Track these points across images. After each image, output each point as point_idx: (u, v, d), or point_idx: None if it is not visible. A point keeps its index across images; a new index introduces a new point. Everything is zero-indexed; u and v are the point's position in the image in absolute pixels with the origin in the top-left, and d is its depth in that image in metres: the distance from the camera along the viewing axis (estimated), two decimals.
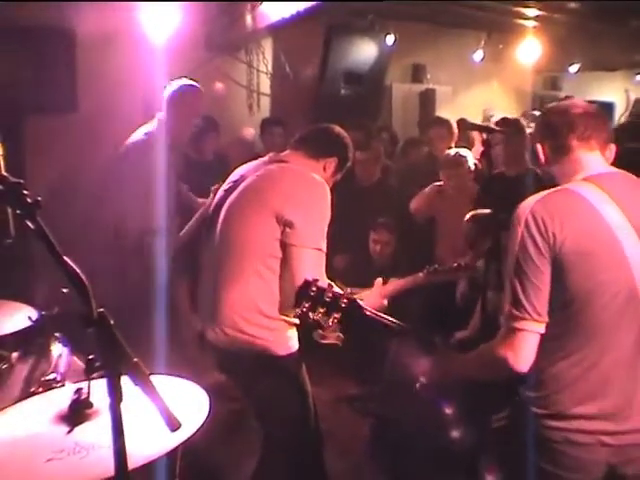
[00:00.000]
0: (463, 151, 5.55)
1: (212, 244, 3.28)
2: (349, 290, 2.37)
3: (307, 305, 2.29)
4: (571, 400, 2.20)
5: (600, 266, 2.12)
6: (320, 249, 2.98)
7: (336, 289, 2.33)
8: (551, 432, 2.23)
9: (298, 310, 2.30)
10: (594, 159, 2.32)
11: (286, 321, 3.13)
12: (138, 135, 4.93)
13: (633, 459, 2.21)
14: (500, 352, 2.20)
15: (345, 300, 2.30)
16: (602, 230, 2.14)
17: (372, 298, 3.24)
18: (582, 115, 2.34)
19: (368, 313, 2.36)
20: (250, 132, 6.07)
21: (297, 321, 3.17)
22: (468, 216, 4.66)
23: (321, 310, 2.28)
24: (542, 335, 2.18)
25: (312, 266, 2.93)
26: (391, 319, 2.43)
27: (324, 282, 2.69)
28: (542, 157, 2.39)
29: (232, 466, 4.04)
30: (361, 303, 2.36)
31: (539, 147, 2.41)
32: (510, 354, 2.18)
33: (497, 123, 5.27)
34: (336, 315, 2.29)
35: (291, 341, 3.17)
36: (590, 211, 2.15)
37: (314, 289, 2.30)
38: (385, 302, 3.31)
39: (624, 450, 2.20)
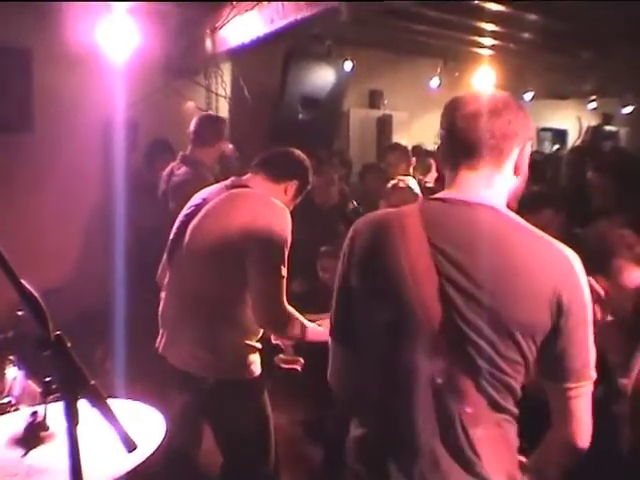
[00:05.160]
0: (404, 178, 5.47)
1: (175, 268, 3.28)
2: None
3: None
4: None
5: (382, 293, 1.90)
6: (281, 274, 2.99)
7: None
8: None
9: None
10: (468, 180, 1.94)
11: (249, 345, 3.14)
12: None
13: None
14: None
15: None
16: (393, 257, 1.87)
17: None
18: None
19: None
20: (229, 147, 6.06)
21: (259, 345, 3.19)
22: None
23: None
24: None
25: (273, 291, 2.96)
26: None
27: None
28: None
29: None
30: None
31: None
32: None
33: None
34: None
35: (254, 365, 3.16)
36: (393, 237, 1.89)
37: None
38: None
39: None
